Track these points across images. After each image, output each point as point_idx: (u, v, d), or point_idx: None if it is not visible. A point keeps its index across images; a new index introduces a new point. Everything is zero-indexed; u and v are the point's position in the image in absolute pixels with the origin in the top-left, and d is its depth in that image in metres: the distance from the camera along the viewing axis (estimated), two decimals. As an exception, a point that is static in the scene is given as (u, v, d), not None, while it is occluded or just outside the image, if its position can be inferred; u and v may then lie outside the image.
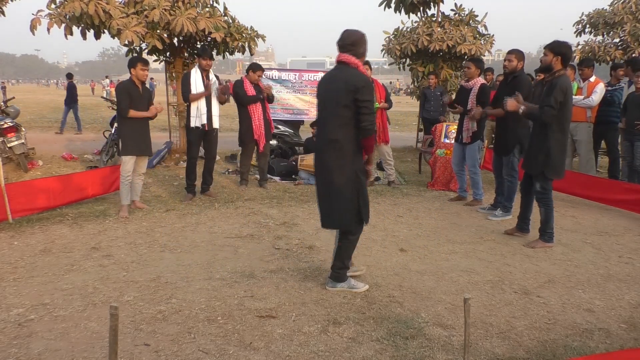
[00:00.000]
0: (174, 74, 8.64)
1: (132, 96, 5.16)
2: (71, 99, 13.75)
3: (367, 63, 6.80)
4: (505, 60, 5.26)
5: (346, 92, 3.10)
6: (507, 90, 5.13)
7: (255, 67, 6.53)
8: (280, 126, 8.56)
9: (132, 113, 5.16)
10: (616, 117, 6.61)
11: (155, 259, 4.04)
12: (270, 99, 6.69)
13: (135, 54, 8.20)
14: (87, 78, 65.45)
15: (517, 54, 5.15)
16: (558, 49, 4.16)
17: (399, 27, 10.71)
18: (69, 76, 14.81)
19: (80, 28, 7.13)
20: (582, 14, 11.80)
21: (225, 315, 3.06)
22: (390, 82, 56.13)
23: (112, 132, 7.85)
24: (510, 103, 4.38)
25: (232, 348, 2.70)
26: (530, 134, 4.50)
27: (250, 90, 6.39)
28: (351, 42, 3.21)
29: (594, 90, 6.47)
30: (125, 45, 7.56)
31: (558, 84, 4.08)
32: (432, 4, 10.49)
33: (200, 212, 5.48)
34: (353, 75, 3.14)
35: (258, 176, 6.95)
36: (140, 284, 3.53)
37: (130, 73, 5.24)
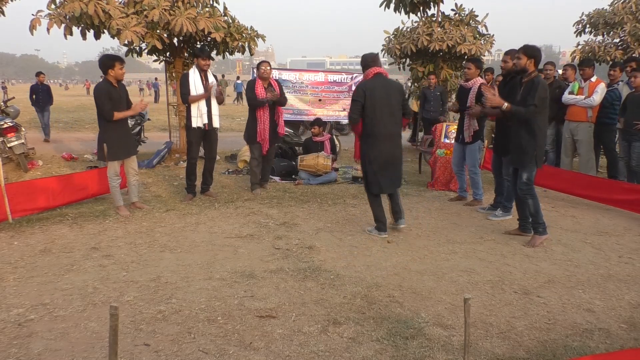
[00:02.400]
0: (174, 74, 8.64)
1: (112, 98, 5.03)
2: (47, 101, 11.59)
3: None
4: (502, 61, 5.29)
5: (400, 94, 4.67)
6: (506, 91, 5.14)
7: (258, 65, 6.48)
8: None
9: (117, 115, 5.03)
10: (610, 118, 6.62)
11: (155, 259, 4.04)
12: (282, 102, 6.45)
13: (135, 54, 8.22)
14: (87, 78, 65.41)
15: (511, 55, 5.16)
16: (531, 52, 4.46)
17: (399, 27, 10.71)
18: (39, 74, 11.90)
19: (80, 28, 7.13)
20: (582, 14, 11.81)
21: (225, 315, 3.06)
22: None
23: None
24: (491, 98, 4.57)
25: (232, 348, 2.70)
26: (513, 132, 4.59)
27: (261, 92, 6.17)
28: (374, 59, 4.68)
29: (595, 90, 6.47)
30: (124, 45, 7.56)
31: (540, 83, 4.36)
32: (432, 3, 10.48)
33: (200, 212, 5.48)
34: (397, 82, 4.81)
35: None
36: (140, 284, 3.53)
37: (107, 74, 5.05)
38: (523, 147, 4.49)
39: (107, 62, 5.01)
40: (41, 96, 11.49)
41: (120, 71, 5.06)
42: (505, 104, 4.49)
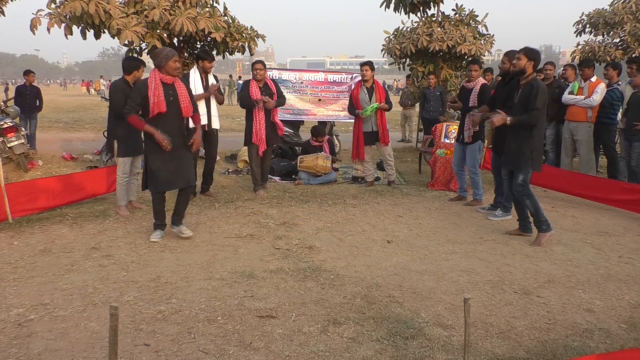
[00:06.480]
0: (174, 74, 8.63)
1: (127, 96, 5.04)
2: (34, 107, 9.61)
3: (368, 63, 6.79)
4: (501, 62, 5.31)
5: None
6: (505, 92, 5.14)
7: (252, 65, 6.37)
8: None
9: None
10: (610, 118, 6.62)
11: (155, 259, 4.04)
12: (280, 103, 6.33)
13: (135, 54, 8.22)
14: (87, 78, 65.41)
15: (509, 56, 5.17)
16: (531, 54, 4.49)
17: (399, 27, 10.72)
18: (27, 72, 9.78)
19: (80, 28, 7.13)
20: (582, 14, 11.82)
21: (225, 315, 3.06)
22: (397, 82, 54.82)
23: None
24: (497, 119, 4.53)
25: (232, 348, 2.70)
26: (509, 135, 4.61)
27: (255, 93, 6.03)
28: None
29: (595, 90, 6.48)
30: (125, 45, 7.56)
31: (539, 87, 4.40)
32: (432, 4, 10.49)
33: (200, 212, 5.48)
34: None
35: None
36: (140, 284, 3.53)
37: (129, 74, 5.19)
38: (519, 148, 4.51)
39: (135, 64, 5.30)
40: (28, 100, 9.41)
41: (142, 72, 5.30)
42: (508, 119, 4.48)
